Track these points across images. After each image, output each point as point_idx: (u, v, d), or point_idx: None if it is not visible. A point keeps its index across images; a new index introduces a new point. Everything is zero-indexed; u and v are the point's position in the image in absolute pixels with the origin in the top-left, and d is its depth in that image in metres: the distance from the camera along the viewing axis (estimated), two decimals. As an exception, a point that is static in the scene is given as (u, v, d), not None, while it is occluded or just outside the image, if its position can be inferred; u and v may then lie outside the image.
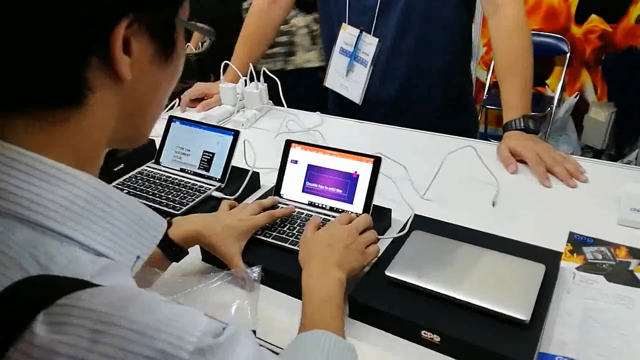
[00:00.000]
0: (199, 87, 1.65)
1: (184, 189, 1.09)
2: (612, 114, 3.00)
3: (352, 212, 0.95)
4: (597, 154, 3.12)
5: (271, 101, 1.60)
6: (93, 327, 0.37)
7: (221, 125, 1.18)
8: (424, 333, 0.73)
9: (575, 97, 3.15)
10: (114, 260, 0.46)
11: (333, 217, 0.94)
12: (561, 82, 3.02)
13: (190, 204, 1.04)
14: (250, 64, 1.53)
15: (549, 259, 0.83)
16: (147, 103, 0.52)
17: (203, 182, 1.11)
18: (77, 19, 0.41)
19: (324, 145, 1.25)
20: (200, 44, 2.20)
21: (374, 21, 1.42)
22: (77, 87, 0.44)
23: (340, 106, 1.57)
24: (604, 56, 3.05)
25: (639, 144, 2.93)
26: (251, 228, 0.90)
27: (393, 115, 1.49)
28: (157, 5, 0.47)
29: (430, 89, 1.48)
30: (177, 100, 1.63)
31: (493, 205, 1.07)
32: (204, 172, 1.13)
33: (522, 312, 0.71)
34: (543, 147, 1.20)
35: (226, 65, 1.56)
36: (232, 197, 1.07)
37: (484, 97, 3.17)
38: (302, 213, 0.97)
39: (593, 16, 3.00)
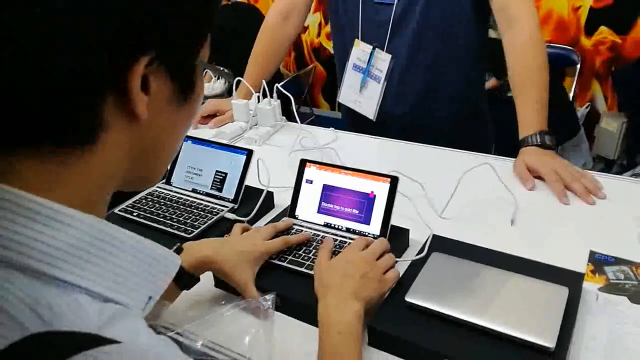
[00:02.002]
0: (211, 104, 1.64)
1: (195, 211, 1.07)
2: (623, 124, 2.99)
3: (369, 234, 0.93)
4: (608, 163, 3.10)
5: (284, 117, 1.59)
6: None
7: (234, 145, 1.17)
8: (446, 361, 0.71)
9: (586, 107, 3.14)
10: (124, 304, 0.43)
11: (350, 238, 0.93)
12: (572, 93, 3.00)
13: (203, 226, 1.01)
14: (264, 81, 1.52)
15: (572, 280, 0.81)
16: (161, 144, 0.50)
17: (215, 203, 1.08)
18: (94, 55, 0.39)
19: (339, 163, 1.24)
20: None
21: (387, 37, 1.41)
22: (91, 125, 0.42)
23: (354, 122, 1.56)
24: (614, 67, 3.03)
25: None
26: (265, 253, 0.87)
27: (409, 130, 1.48)
28: (179, 46, 0.45)
29: (446, 104, 1.48)
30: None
31: (511, 223, 1.05)
32: (216, 193, 1.10)
33: (547, 339, 0.69)
34: (560, 163, 1.18)
35: (239, 81, 1.55)
36: (246, 218, 1.05)
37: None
38: (318, 235, 0.95)
39: (602, 28, 2.99)
